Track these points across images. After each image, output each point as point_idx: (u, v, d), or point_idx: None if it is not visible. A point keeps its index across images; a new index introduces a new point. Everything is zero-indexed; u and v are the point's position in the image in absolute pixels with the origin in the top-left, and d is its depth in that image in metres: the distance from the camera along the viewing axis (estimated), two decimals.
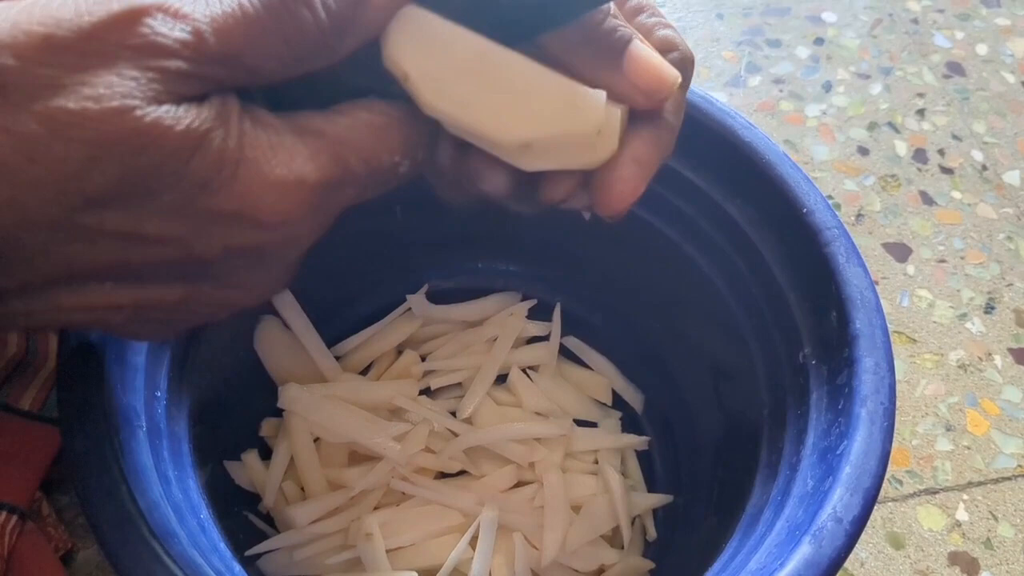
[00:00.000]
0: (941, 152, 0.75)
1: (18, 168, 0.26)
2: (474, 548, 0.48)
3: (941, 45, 0.82)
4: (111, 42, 0.27)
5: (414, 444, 0.51)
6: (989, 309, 0.65)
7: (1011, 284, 0.66)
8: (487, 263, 0.58)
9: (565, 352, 0.57)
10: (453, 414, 0.54)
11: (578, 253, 0.55)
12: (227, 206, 0.28)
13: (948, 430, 0.59)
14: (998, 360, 0.62)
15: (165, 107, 0.27)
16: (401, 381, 0.54)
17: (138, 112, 0.26)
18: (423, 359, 0.56)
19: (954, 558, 0.54)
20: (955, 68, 0.81)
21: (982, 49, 0.82)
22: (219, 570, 0.37)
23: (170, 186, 0.27)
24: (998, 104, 0.78)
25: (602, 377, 0.56)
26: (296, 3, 0.29)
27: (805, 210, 0.41)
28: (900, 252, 0.68)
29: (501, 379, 0.55)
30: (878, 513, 0.56)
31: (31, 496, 0.46)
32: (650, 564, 0.50)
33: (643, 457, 0.54)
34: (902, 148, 0.75)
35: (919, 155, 0.75)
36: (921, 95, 0.79)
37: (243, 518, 0.49)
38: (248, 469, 0.50)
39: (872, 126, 0.76)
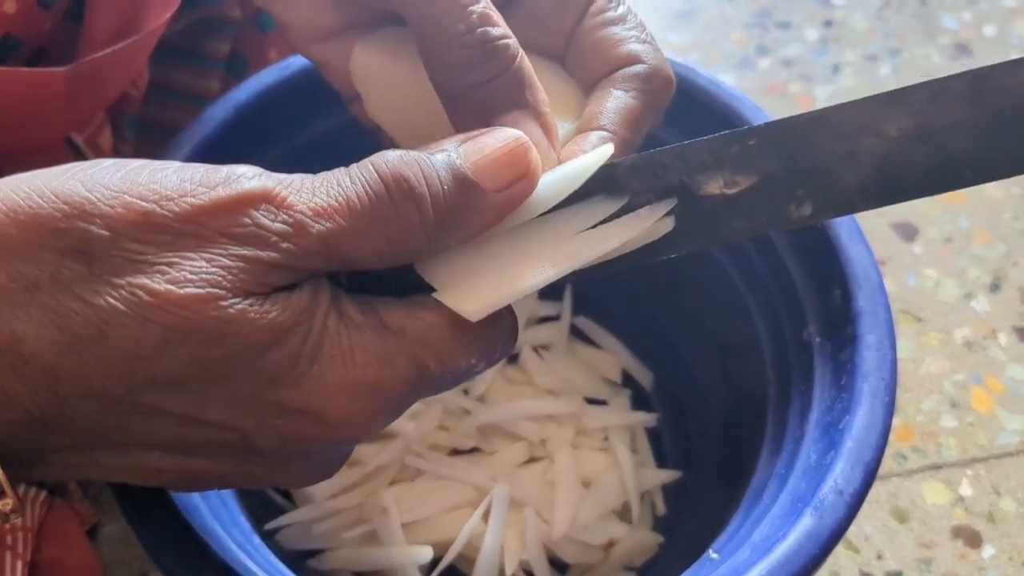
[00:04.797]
0: None
1: (90, 342, 0.25)
2: (487, 522, 0.49)
3: (949, 27, 0.82)
4: (210, 228, 0.26)
5: (428, 422, 0.52)
6: (994, 288, 0.66)
7: (1016, 263, 0.67)
8: None
9: (575, 332, 0.58)
10: (466, 392, 0.55)
11: None
12: (295, 402, 0.27)
13: (953, 407, 0.60)
14: (1003, 338, 0.63)
15: (251, 299, 0.26)
16: None
17: (222, 302, 0.25)
18: None
19: (957, 532, 0.55)
20: (963, 50, 0.81)
21: (990, 30, 0.82)
22: (240, 542, 0.38)
23: (240, 377, 0.26)
24: None
25: (612, 356, 0.57)
26: (405, 202, 0.27)
27: None
28: (907, 232, 0.69)
29: (513, 358, 0.56)
30: (883, 488, 0.56)
31: None
32: (659, 538, 0.51)
33: (652, 434, 0.55)
34: None
35: None
36: (929, 76, 0.79)
37: (262, 493, 0.50)
38: None
39: None
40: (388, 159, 0.28)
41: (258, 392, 0.27)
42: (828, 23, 0.83)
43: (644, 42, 0.34)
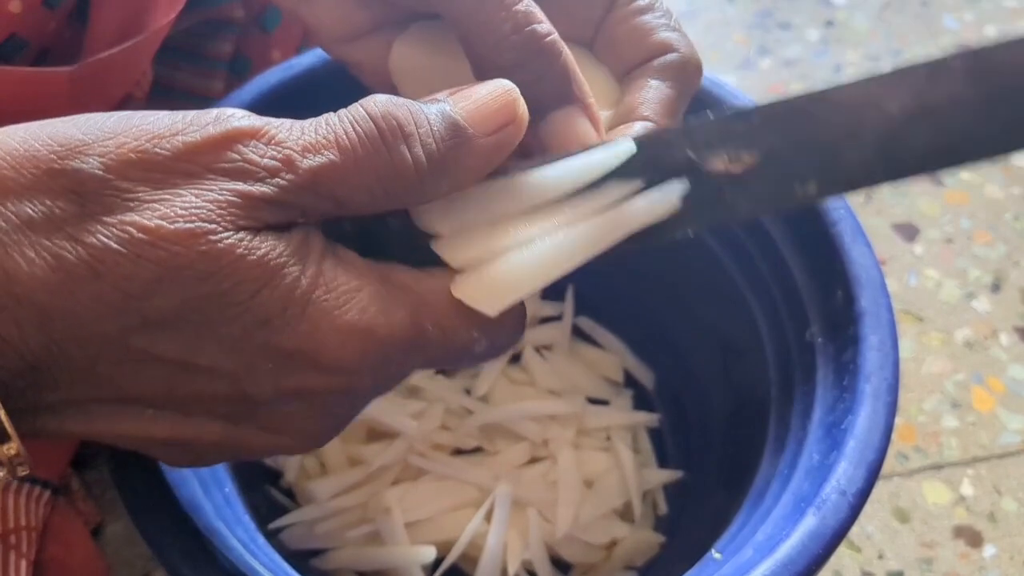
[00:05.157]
0: None
1: (82, 280, 0.25)
2: (489, 522, 0.49)
3: (950, 27, 0.83)
4: (200, 164, 0.26)
5: (431, 421, 0.52)
6: (995, 288, 0.66)
7: (1017, 263, 0.67)
8: None
9: (577, 332, 0.58)
10: (468, 392, 0.55)
11: None
12: (287, 345, 0.27)
13: (954, 407, 0.60)
14: (1004, 338, 0.63)
15: (241, 234, 0.26)
16: None
17: (211, 236, 0.25)
18: None
19: (959, 531, 0.55)
20: None
21: (991, 31, 0.82)
22: (244, 541, 0.38)
23: (231, 318, 0.26)
24: None
25: (614, 356, 0.57)
26: (396, 140, 0.27)
27: None
28: (908, 232, 0.69)
29: (515, 358, 0.56)
30: (885, 488, 0.57)
31: (62, 472, 0.48)
32: (661, 538, 0.51)
33: (654, 434, 0.55)
34: None
35: None
36: None
37: (266, 493, 0.50)
38: None
39: None
40: (378, 100, 0.28)
41: (249, 335, 0.27)
42: (829, 23, 0.83)
43: (674, 30, 0.34)
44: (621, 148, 0.31)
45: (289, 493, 0.51)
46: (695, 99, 0.44)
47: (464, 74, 0.32)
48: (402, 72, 0.36)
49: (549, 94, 0.31)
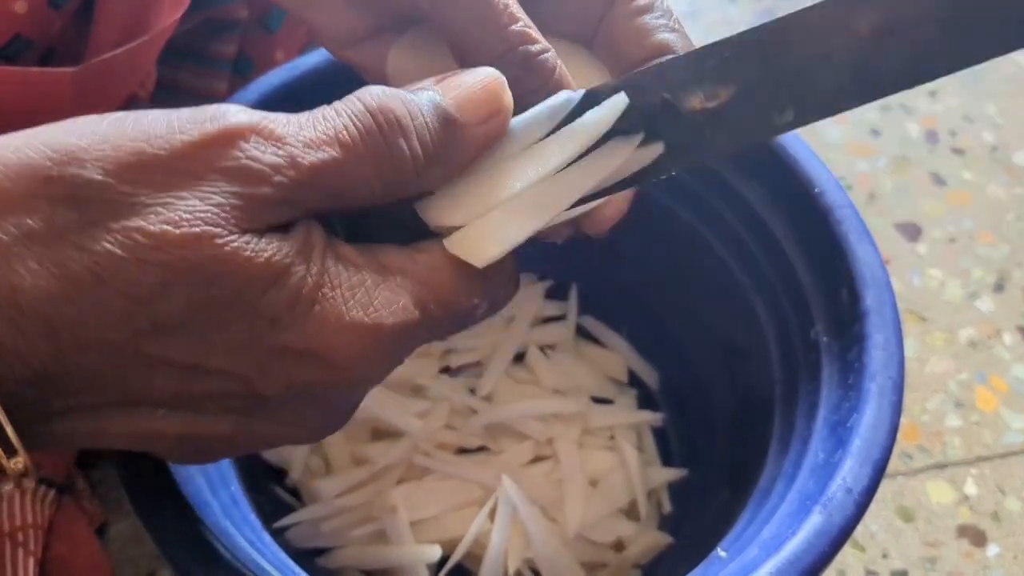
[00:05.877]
0: (952, 133, 0.75)
1: (87, 288, 0.25)
2: (493, 521, 0.49)
3: None
4: (202, 163, 0.26)
5: (435, 421, 0.52)
6: (999, 288, 0.66)
7: (1020, 263, 0.67)
8: None
9: (581, 331, 0.58)
10: (472, 392, 0.55)
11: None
12: (296, 344, 0.27)
13: (957, 406, 0.60)
14: (1007, 338, 0.63)
15: (247, 236, 0.26)
16: (422, 360, 0.55)
17: (218, 240, 0.25)
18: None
19: (962, 531, 0.55)
20: None
21: None
22: (251, 539, 0.38)
23: (239, 319, 0.26)
24: (1009, 86, 0.79)
25: (618, 355, 0.57)
26: (394, 135, 0.28)
27: (816, 190, 0.42)
28: (911, 232, 0.69)
29: (519, 358, 0.56)
30: (888, 487, 0.57)
31: (67, 470, 0.48)
32: (666, 537, 0.51)
33: (658, 433, 0.55)
34: (914, 130, 0.76)
35: (930, 136, 0.75)
36: None
37: (271, 492, 0.50)
38: None
39: (884, 108, 0.77)
40: (373, 93, 0.28)
41: (259, 336, 0.27)
42: None
43: (674, 31, 0.34)
44: (616, 101, 0.31)
45: (294, 492, 0.51)
46: None
47: None
48: (399, 77, 0.36)
49: None
